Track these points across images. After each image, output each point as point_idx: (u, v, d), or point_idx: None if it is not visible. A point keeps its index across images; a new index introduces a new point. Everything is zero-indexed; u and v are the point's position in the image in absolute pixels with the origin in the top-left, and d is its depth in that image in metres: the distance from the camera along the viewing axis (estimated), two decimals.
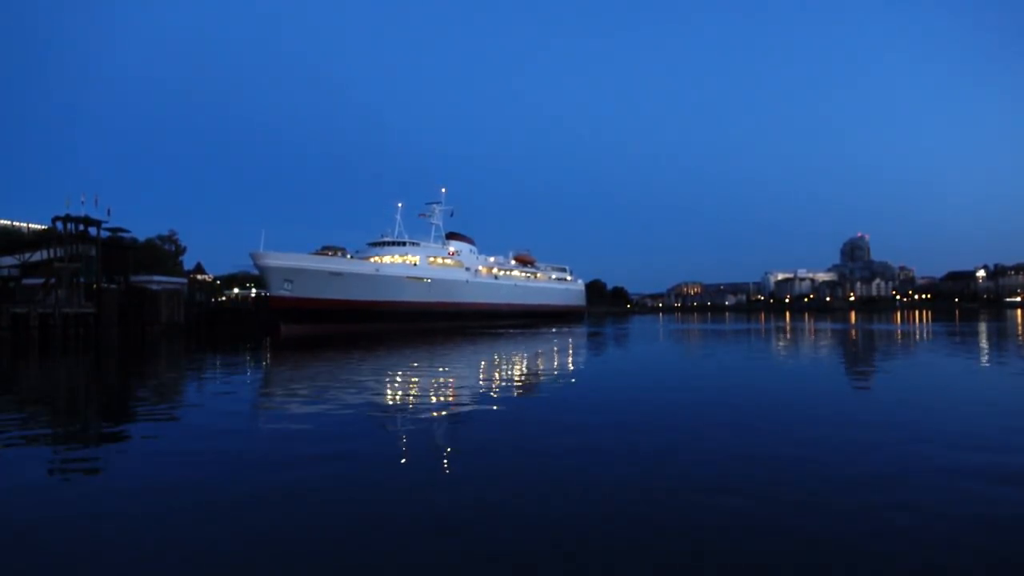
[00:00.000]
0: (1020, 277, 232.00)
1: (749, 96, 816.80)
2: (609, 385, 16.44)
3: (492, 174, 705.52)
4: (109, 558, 5.17)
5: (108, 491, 7.09)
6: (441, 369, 20.67)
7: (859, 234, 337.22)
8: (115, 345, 38.51)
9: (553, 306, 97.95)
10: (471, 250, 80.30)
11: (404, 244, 68.82)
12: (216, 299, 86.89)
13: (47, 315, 51.26)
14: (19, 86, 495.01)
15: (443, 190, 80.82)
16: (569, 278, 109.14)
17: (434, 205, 79.34)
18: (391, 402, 13.62)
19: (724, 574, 4.70)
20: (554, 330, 53.67)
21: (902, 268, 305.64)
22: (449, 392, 15.12)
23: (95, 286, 59.22)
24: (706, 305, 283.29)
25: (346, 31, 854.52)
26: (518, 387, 15.88)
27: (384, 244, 68.27)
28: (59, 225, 58.21)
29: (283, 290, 53.91)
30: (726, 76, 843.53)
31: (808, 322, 68.45)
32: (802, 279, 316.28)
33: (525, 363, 22.69)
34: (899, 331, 44.02)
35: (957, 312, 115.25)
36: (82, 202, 59.72)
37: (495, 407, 12.60)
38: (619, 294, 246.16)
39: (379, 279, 62.22)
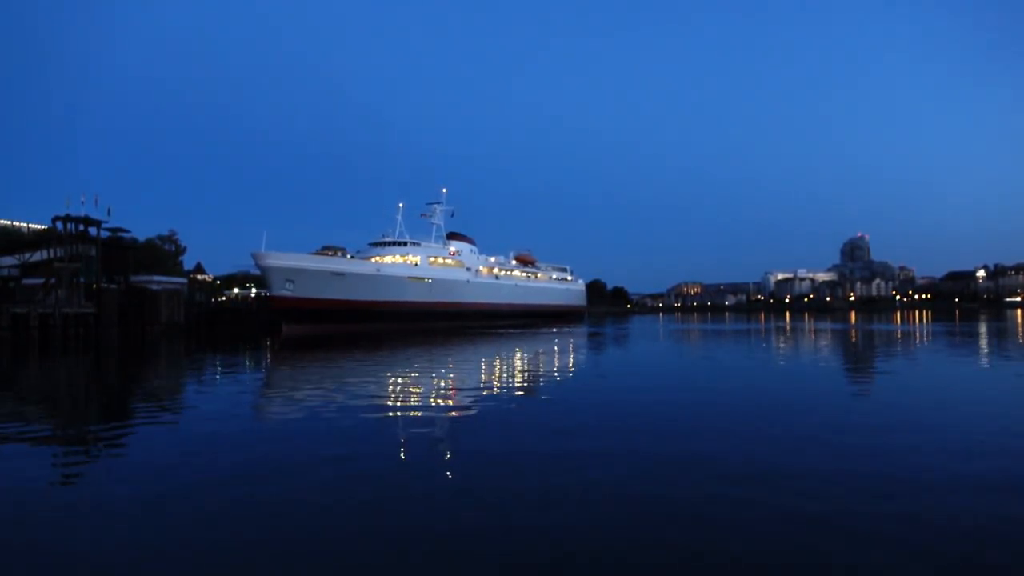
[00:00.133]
0: (1020, 277, 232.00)
1: (749, 96, 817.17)
2: (610, 386, 16.44)
3: (492, 174, 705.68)
4: (110, 558, 5.17)
5: (108, 491, 7.08)
6: (442, 369, 20.65)
7: (859, 234, 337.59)
8: (115, 345, 38.51)
9: (554, 306, 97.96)
10: (472, 250, 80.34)
11: (405, 244, 68.90)
12: (216, 299, 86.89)
13: (47, 315, 51.26)
14: (19, 86, 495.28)
15: (444, 190, 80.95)
16: (570, 278, 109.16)
17: (435, 205, 79.42)
18: (392, 403, 13.61)
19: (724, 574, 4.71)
20: (555, 330, 53.67)
21: (902, 268, 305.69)
22: (450, 393, 15.13)
23: (95, 286, 59.21)
24: (706, 305, 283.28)
25: (346, 31, 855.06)
26: (518, 388, 15.87)
27: (385, 244, 68.36)
28: (59, 225, 58.21)
29: (285, 290, 54.00)
30: (726, 76, 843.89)
31: (808, 322, 68.45)
32: (802, 279, 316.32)
33: (525, 364, 22.68)
34: (899, 331, 44.02)
35: (957, 312, 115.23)
36: (82, 202, 59.78)
37: (496, 408, 12.60)
38: (619, 294, 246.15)
39: (380, 279, 62.27)
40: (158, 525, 5.89)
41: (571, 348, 30.98)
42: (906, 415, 11.12)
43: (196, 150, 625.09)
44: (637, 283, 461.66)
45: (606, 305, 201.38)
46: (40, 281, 58.00)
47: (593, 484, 7.00)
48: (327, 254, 70.41)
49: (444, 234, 78.50)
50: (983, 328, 46.50)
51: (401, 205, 72.40)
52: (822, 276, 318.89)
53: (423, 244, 71.55)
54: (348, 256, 68.98)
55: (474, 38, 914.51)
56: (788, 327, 54.35)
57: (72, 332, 51.36)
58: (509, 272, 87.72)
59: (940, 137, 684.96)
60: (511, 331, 52.21)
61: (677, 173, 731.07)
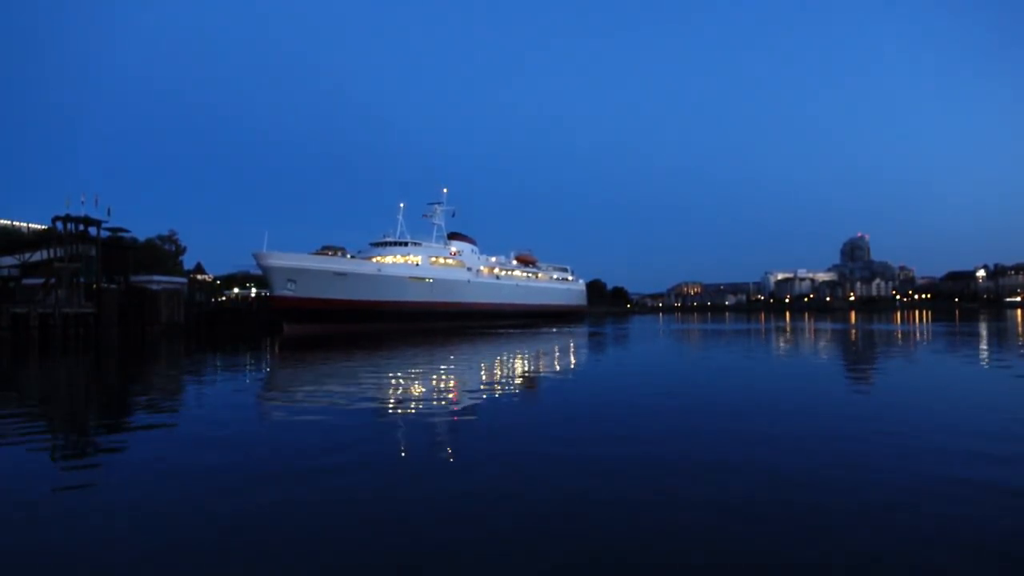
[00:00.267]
0: (1020, 277, 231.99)
1: (749, 96, 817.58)
2: (611, 386, 16.39)
3: (492, 174, 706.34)
4: (110, 558, 5.15)
5: (108, 491, 7.06)
6: (443, 369, 20.63)
7: (859, 234, 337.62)
8: (115, 345, 38.48)
9: (554, 306, 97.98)
10: (473, 250, 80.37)
11: (406, 244, 68.96)
12: (216, 299, 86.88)
13: (47, 315, 51.23)
14: (19, 86, 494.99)
15: (444, 190, 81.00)
16: (570, 278, 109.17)
17: (436, 205, 79.47)
18: (393, 403, 13.60)
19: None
20: (555, 330, 53.66)
21: (902, 268, 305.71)
22: (451, 393, 15.09)
23: (95, 286, 59.18)
24: (706, 305, 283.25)
25: (346, 31, 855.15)
26: (519, 388, 15.86)
27: (386, 244, 68.42)
28: (59, 225, 58.19)
29: (286, 290, 54.08)
30: (726, 76, 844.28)
31: (808, 322, 68.42)
32: (802, 279, 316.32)
33: (526, 364, 22.65)
34: (899, 331, 43.99)
35: (957, 312, 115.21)
36: (82, 202, 59.78)
37: (496, 408, 12.59)
38: (619, 294, 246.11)
39: (381, 279, 62.31)
40: (158, 525, 5.87)
41: (571, 348, 30.95)
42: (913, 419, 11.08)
43: (196, 150, 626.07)
44: (637, 283, 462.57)
45: (606, 305, 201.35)
46: (40, 281, 57.98)
47: (594, 485, 6.97)
48: (327, 254, 70.44)
49: (445, 234, 78.57)
50: (983, 328, 46.46)
51: (402, 205, 72.53)
52: (822, 276, 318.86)
53: (424, 244, 71.59)
54: (349, 256, 69.02)
55: (474, 38, 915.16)
56: (788, 327, 54.32)
57: (72, 332, 51.34)
58: (510, 272, 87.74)
59: (940, 137, 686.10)
60: (512, 331, 52.20)
61: (677, 173, 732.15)
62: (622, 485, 6.93)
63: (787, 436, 9.39)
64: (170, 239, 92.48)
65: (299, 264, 55.43)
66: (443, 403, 13.36)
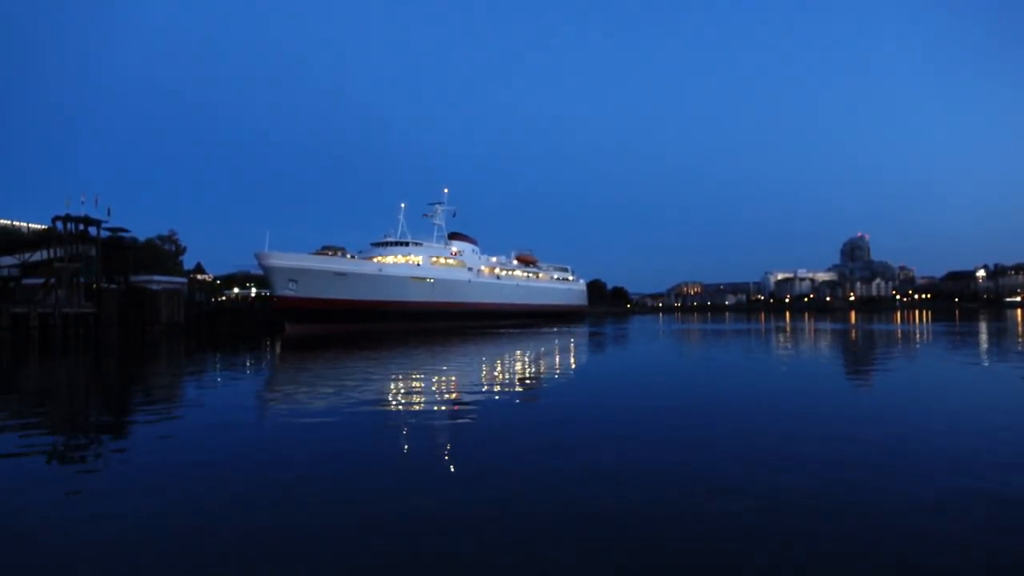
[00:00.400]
0: (1020, 277, 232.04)
1: (749, 96, 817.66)
2: (612, 385, 16.40)
3: (493, 174, 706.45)
4: (110, 559, 5.14)
5: (109, 491, 7.05)
6: (443, 368, 20.60)
7: (859, 234, 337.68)
8: (115, 345, 38.46)
9: (555, 306, 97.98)
10: (473, 250, 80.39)
11: (407, 244, 69.02)
12: (216, 299, 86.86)
13: (47, 315, 51.21)
14: (19, 86, 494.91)
15: (445, 191, 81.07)
16: (571, 278, 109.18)
17: (436, 205, 79.50)
18: (394, 404, 13.58)
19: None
20: (555, 330, 53.65)
21: (902, 268, 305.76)
22: (451, 394, 15.07)
23: (95, 286, 59.16)
24: (706, 305, 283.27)
25: (345, 31, 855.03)
26: (520, 388, 15.84)
27: (387, 244, 68.50)
28: (59, 225, 58.18)
29: (287, 290, 54.18)
30: (726, 76, 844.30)
31: (808, 322, 68.42)
32: (802, 279, 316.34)
33: (527, 364, 22.63)
34: (899, 331, 43.97)
35: (957, 312, 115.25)
36: (82, 202, 59.77)
37: (497, 408, 12.58)
38: (619, 294, 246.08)
39: (382, 279, 62.36)
40: (158, 525, 5.86)
41: (571, 348, 30.93)
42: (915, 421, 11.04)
43: (196, 150, 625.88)
44: (637, 283, 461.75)
45: (606, 305, 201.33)
46: (40, 281, 57.96)
47: (595, 487, 6.96)
48: (327, 254, 70.45)
49: (446, 234, 78.62)
50: (983, 328, 46.45)
51: (403, 205, 72.57)
52: (822, 276, 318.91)
53: (425, 244, 71.63)
54: (349, 256, 69.05)
55: (474, 38, 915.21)
56: (788, 327, 54.31)
57: (72, 332, 51.32)
58: (511, 272, 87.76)
59: (940, 137, 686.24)
60: (512, 331, 52.19)
61: (677, 173, 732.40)
62: (624, 493, 6.89)
63: (786, 436, 9.37)
64: (170, 239, 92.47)
65: (300, 264, 55.52)
66: (444, 403, 13.33)
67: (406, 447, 9.08)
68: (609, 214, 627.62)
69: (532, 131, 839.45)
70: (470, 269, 77.11)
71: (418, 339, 38.99)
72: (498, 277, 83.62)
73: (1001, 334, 37.88)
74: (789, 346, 30.51)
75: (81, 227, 59.28)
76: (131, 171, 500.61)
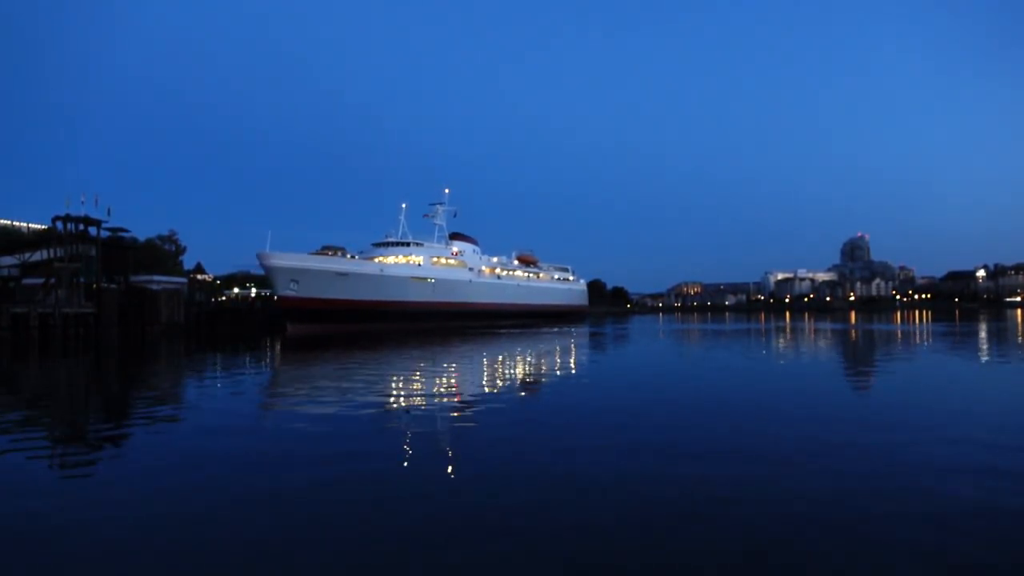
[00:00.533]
0: (1020, 277, 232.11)
1: (749, 96, 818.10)
2: (612, 385, 16.36)
3: (493, 174, 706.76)
4: (110, 559, 5.12)
5: (110, 492, 7.03)
6: (444, 367, 20.56)
7: (859, 234, 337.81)
8: (115, 345, 38.42)
9: (556, 306, 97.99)
10: (474, 250, 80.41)
11: (408, 244, 69.10)
12: (216, 299, 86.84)
13: (47, 315, 51.17)
14: (19, 86, 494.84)
15: (446, 191, 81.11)
16: (571, 278, 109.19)
17: (437, 206, 79.53)
18: (395, 404, 13.54)
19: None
20: (556, 330, 53.63)
21: (902, 268, 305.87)
22: (452, 394, 15.06)
23: (95, 286, 59.13)
24: (706, 305, 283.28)
25: (345, 31, 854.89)
26: (520, 388, 15.81)
27: (388, 244, 68.60)
28: (59, 225, 58.16)
29: (289, 290, 54.29)
30: (726, 76, 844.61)
31: (808, 322, 68.40)
32: (802, 279, 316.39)
33: (527, 364, 22.59)
34: (899, 331, 43.95)
35: (957, 312, 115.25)
36: (82, 202, 59.76)
37: (497, 409, 12.52)
38: (619, 294, 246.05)
39: (383, 279, 62.42)
40: (158, 526, 5.84)
41: (572, 348, 30.89)
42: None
43: (196, 150, 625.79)
44: (637, 283, 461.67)
45: (606, 305, 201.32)
46: (40, 281, 57.94)
47: (595, 489, 6.94)
48: (327, 254, 70.48)
49: (447, 234, 78.67)
50: (983, 328, 46.43)
51: (404, 206, 72.63)
52: (822, 276, 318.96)
53: (426, 244, 71.69)
54: (349, 256, 69.09)
55: (474, 38, 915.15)
56: (788, 327, 54.29)
57: (72, 332, 51.28)
58: (511, 272, 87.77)
59: (940, 137, 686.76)
60: (513, 331, 52.18)
61: (677, 173, 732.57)
62: (626, 501, 6.84)
63: (784, 438, 9.34)
64: (170, 239, 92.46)
65: (302, 264, 55.63)
66: (445, 404, 13.33)
67: (408, 449, 9.04)
68: (609, 214, 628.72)
69: (532, 131, 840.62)
70: (471, 269, 77.12)
71: (418, 339, 38.96)
72: (499, 277, 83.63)
73: (1001, 334, 37.85)
74: (789, 346, 30.47)
75: (81, 227, 59.26)
76: (131, 171, 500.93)
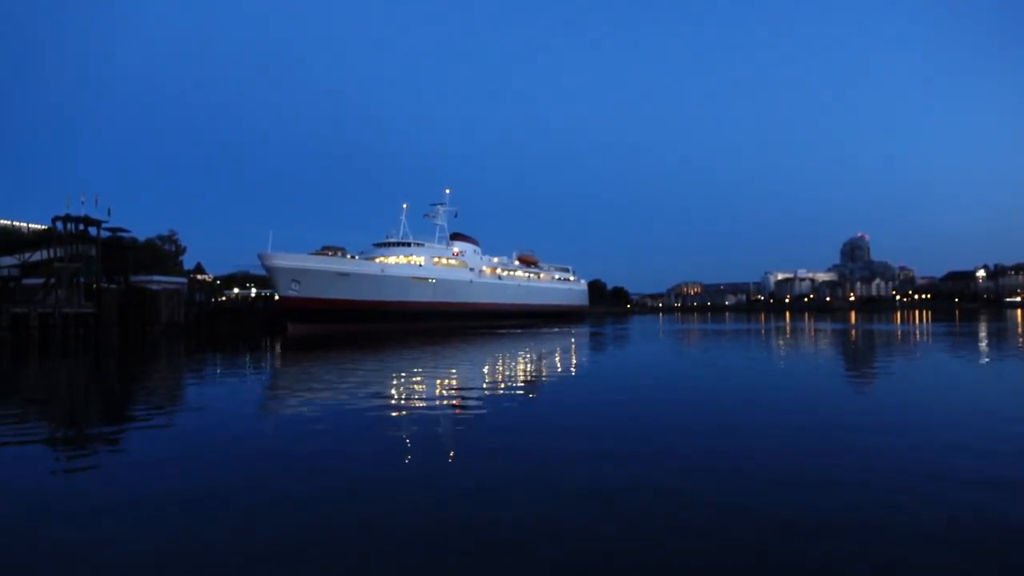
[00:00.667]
0: (1020, 277, 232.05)
1: (749, 96, 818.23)
2: (612, 386, 16.33)
3: (494, 174, 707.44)
4: (110, 559, 5.12)
5: (108, 492, 7.02)
6: (445, 367, 20.54)
7: (859, 234, 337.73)
8: (115, 345, 38.41)
9: (556, 306, 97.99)
10: (475, 251, 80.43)
11: (409, 245, 69.16)
12: (216, 299, 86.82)
13: (47, 315, 51.16)
14: (19, 87, 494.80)
15: (447, 191, 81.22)
16: (572, 278, 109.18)
17: (438, 206, 79.58)
18: (395, 403, 13.55)
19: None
20: (556, 330, 53.63)
21: (902, 268, 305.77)
22: (453, 393, 15.05)
23: (95, 286, 59.12)
24: (706, 305, 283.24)
25: (345, 31, 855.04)
26: (521, 388, 15.79)
27: (389, 245, 68.67)
28: (59, 225, 58.15)
29: (291, 290, 54.42)
30: (726, 76, 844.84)
31: (808, 322, 68.38)
32: (802, 279, 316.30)
33: (528, 365, 22.58)
34: (899, 331, 43.93)
35: (957, 312, 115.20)
36: (82, 202, 59.77)
37: (498, 409, 12.53)
38: (619, 294, 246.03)
39: (384, 279, 62.48)
40: (158, 526, 5.83)
41: (572, 348, 30.88)
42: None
43: (196, 150, 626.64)
44: (637, 283, 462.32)
45: (606, 305, 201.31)
46: (40, 281, 57.94)
47: (597, 490, 6.94)
48: (327, 254, 70.54)
49: (448, 234, 78.75)
50: (983, 328, 46.41)
51: (405, 206, 72.66)
52: (822, 276, 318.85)
53: (427, 245, 71.74)
54: (349, 256, 69.15)
55: (474, 38, 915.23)
56: (788, 327, 54.27)
57: (72, 332, 51.27)
58: (512, 272, 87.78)
59: (940, 137, 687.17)
60: (514, 331, 52.17)
61: (677, 173, 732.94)
62: (626, 508, 6.81)
63: (785, 437, 9.34)
64: (170, 239, 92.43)
65: (303, 265, 55.73)
66: (447, 404, 13.30)
67: (409, 450, 9.04)
68: (609, 214, 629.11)
69: (533, 131, 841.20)
70: (472, 269, 77.13)
71: (420, 339, 38.94)
72: (499, 277, 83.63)
73: (1001, 334, 37.83)
74: (789, 347, 30.45)
75: (81, 227, 59.26)
76: (131, 171, 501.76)
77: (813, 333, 43.21)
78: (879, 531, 5.35)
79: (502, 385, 16.10)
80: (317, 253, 70.43)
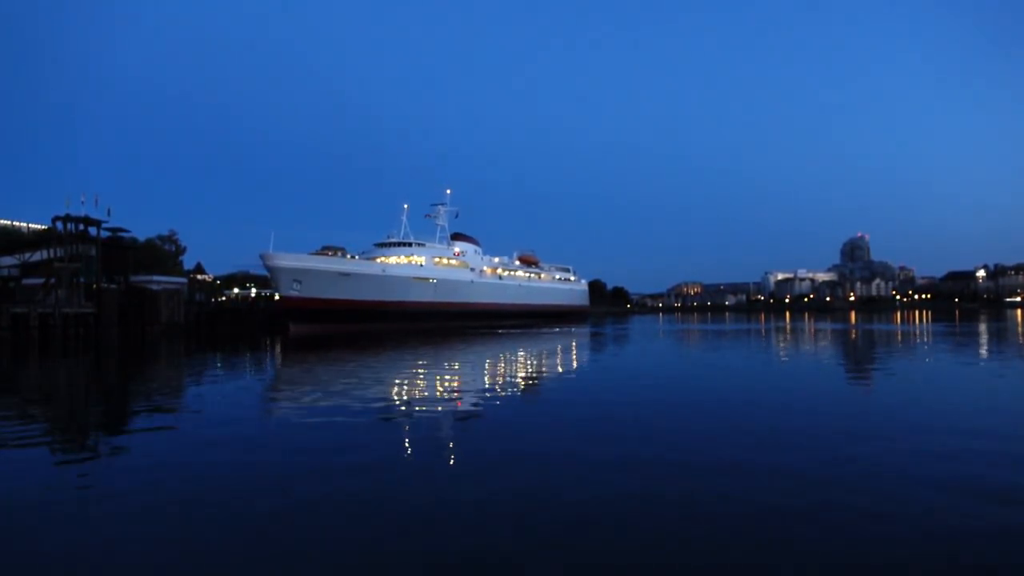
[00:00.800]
0: (1020, 277, 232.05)
1: (749, 96, 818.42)
2: (612, 386, 16.35)
3: (494, 174, 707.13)
4: (110, 559, 5.12)
5: (110, 493, 7.01)
6: (446, 367, 20.54)
7: (859, 234, 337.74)
8: (115, 345, 38.41)
9: (557, 306, 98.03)
10: (476, 251, 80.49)
11: (410, 245, 69.26)
12: (216, 299, 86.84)
13: (47, 315, 51.17)
14: (19, 86, 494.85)
15: (448, 191, 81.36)
16: (572, 278, 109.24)
17: (439, 206, 79.70)
18: (397, 405, 13.52)
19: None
20: (557, 330, 53.64)
21: (902, 268, 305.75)
22: (454, 393, 15.04)
23: (95, 286, 59.14)
24: (706, 305, 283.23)
25: (346, 31, 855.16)
26: (522, 388, 15.80)
27: (390, 245, 68.77)
28: (59, 225, 58.17)
29: (292, 290, 54.52)
30: (726, 76, 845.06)
31: (808, 322, 68.37)
32: (802, 279, 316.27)
33: (527, 364, 22.57)
34: (899, 332, 43.92)
35: (957, 312, 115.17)
36: (82, 202, 59.80)
37: (498, 409, 12.54)
38: (619, 294, 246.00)
39: (385, 279, 62.56)
40: (158, 527, 5.83)
41: (573, 348, 30.88)
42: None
43: (196, 150, 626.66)
44: (637, 283, 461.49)
45: (606, 305, 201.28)
46: (40, 281, 57.96)
47: (597, 492, 6.94)
48: (327, 254, 70.59)
49: (448, 235, 78.83)
50: (983, 328, 46.40)
51: (406, 206, 72.77)
52: (822, 276, 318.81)
53: (428, 245, 71.81)
54: (349, 256, 69.22)
55: (474, 38, 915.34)
56: (788, 327, 54.27)
57: (72, 332, 51.28)
58: (513, 272, 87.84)
59: (940, 137, 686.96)
60: (514, 331, 52.18)
61: (677, 173, 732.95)
62: (626, 514, 6.82)
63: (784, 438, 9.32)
64: (170, 239, 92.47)
65: (305, 265, 55.82)
66: (447, 405, 13.31)
67: (409, 450, 9.05)
68: (609, 214, 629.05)
69: (533, 131, 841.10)
70: (472, 269, 77.17)
71: (421, 339, 38.94)
72: (500, 277, 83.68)
73: (1002, 334, 37.82)
74: (789, 347, 30.45)
75: (81, 227, 59.28)
76: (131, 171, 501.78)
77: (813, 333, 43.20)
78: (891, 530, 5.36)
79: (502, 385, 16.09)
80: (317, 253, 70.47)
